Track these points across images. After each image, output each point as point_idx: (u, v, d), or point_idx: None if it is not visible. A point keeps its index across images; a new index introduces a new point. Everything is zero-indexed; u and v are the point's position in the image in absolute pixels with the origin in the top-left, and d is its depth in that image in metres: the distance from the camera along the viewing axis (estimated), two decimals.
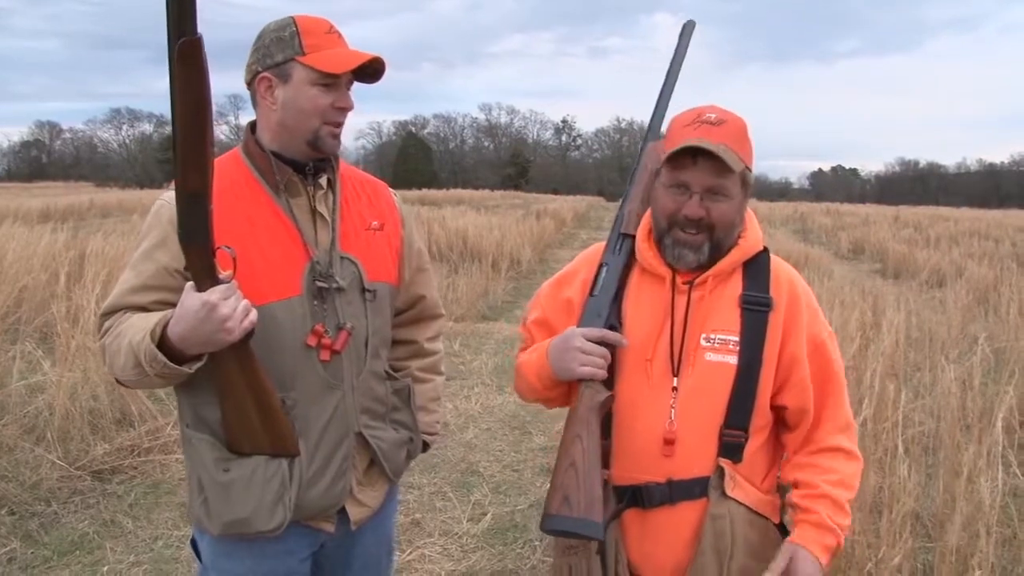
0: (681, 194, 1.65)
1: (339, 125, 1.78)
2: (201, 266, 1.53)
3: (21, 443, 4.40)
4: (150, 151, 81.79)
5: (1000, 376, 5.54)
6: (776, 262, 1.78)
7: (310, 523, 1.81)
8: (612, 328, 1.71)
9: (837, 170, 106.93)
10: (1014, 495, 3.91)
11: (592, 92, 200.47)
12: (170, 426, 4.82)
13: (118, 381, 1.71)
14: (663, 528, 1.68)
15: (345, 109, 1.77)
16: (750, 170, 1.69)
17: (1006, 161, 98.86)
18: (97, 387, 4.96)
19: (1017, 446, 4.62)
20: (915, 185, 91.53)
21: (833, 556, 1.68)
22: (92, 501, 4.15)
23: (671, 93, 1.89)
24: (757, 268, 1.74)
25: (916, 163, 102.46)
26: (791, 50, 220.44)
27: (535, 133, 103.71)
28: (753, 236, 1.75)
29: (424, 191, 45.58)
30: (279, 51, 1.70)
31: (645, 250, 1.75)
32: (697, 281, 1.70)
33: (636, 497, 1.68)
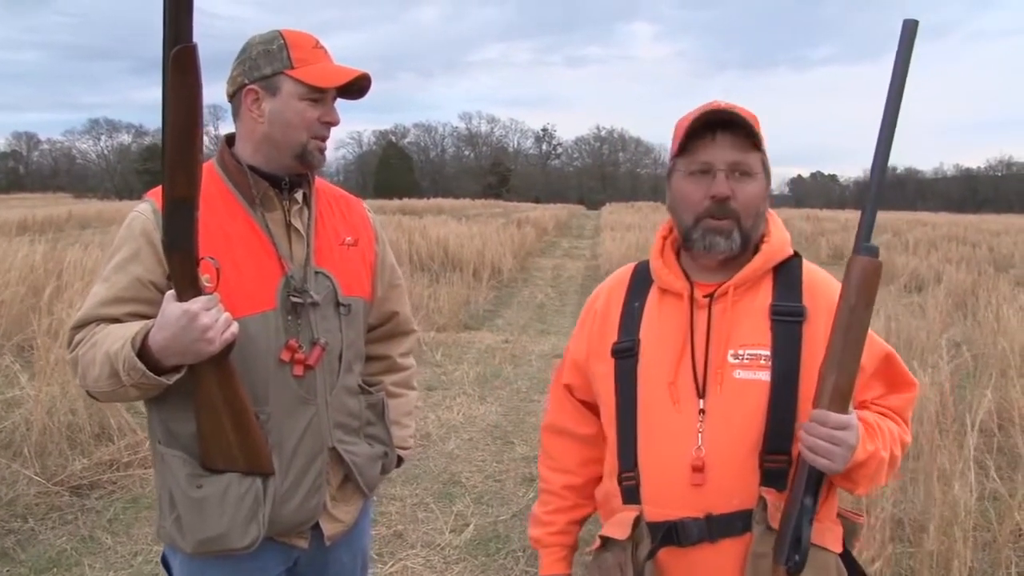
0: (704, 177, 1.53)
1: (325, 139, 1.78)
2: (183, 274, 1.52)
3: None
4: (129, 162, 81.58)
5: (979, 380, 5.59)
6: (809, 268, 1.64)
7: (284, 539, 1.80)
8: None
9: (816, 176, 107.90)
10: (993, 499, 3.93)
11: (572, 101, 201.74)
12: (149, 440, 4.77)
13: (89, 394, 1.69)
14: (705, 568, 1.51)
15: (331, 123, 1.77)
16: (766, 157, 1.58)
17: (982, 166, 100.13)
18: (75, 401, 4.90)
19: (996, 450, 4.66)
20: (893, 190, 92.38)
21: (859, 467, 1.46)
22: (70, 517, 4.10)
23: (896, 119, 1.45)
24: (789, 275, 1.60)
25: (894, 168, 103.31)
26: (766, 57, 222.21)
27: (515, 142, 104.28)
28: (778, 240, 1.61)
29: (405, 200, 45.66)
30: (267, 64, 1.70)
31: (660, 268, 1.64)
32: (717, 293, 1.56)
33: (671, 534, 1.51)
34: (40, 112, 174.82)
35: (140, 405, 4.77)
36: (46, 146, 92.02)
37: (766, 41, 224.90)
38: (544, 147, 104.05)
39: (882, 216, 34.83)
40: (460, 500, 4.53)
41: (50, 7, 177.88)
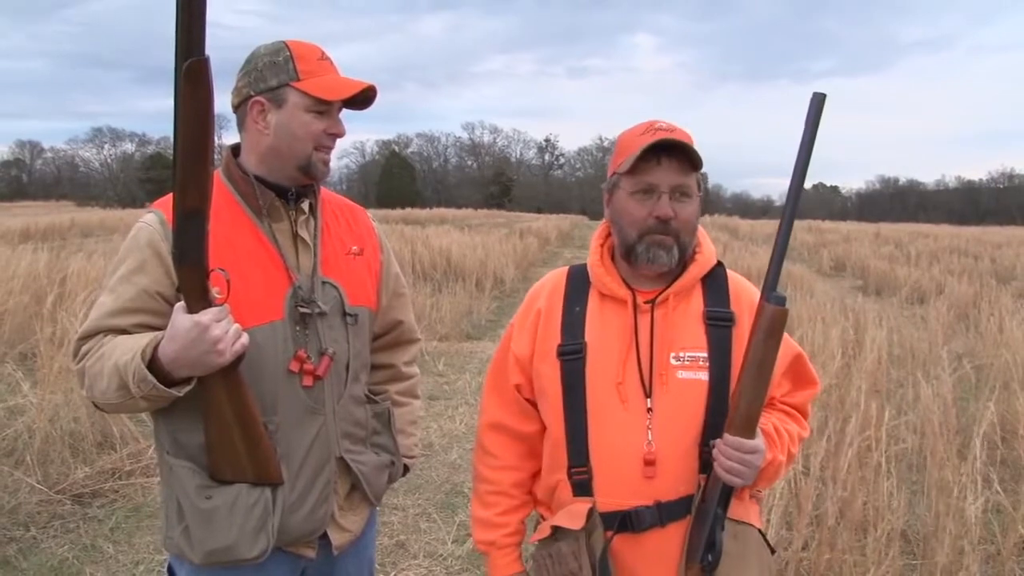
0: (648, 198, 1.67)
1: (330, 150, 1.78)
2: (193, 287, 1.52)
3: None
4: (132, 170, 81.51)
5: (981, 392, 5.58)
6: (733, 276, 1.80)
7: (292, 549, 1.79)
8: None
9: (818, 187, 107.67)
10: (997, 511, 3.92)
11: (574, 112, 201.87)
12: (152, 449, 4.77)
13: (96, 406, 1.69)
14: (655, 550, 1.66)
15: (337, 135, 1.77)
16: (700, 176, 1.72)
17: (984, 178, 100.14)
18: (78, 409, 4.90)
19: (999, 462, 4.66)
20: (895, 202, 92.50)
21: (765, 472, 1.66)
22: (72, 525, 4.10)
23: (804, 178, 1.59)
24: (716, 283, 1.76)
25: (896, 180, 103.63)
26: (768, 69, 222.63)
27: (518, 152, 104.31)
28: (708, 250, 1.76)
29: (407, 210, 45.73)
30: (273, 76, 1.70)
31: (603, 275, 1.76)
32: (659, 299, 1.71)
33: (626, 522, 1.66)
34: (44, 120, 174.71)
35: (143, 413, 4.79)
36: (49, 154, 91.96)
37: (767, 53, 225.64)
38: (546, 157, 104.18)
39: (884, 228, 34.88)
40: (462, 510, 4.51)
41: (55, 16, 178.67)
